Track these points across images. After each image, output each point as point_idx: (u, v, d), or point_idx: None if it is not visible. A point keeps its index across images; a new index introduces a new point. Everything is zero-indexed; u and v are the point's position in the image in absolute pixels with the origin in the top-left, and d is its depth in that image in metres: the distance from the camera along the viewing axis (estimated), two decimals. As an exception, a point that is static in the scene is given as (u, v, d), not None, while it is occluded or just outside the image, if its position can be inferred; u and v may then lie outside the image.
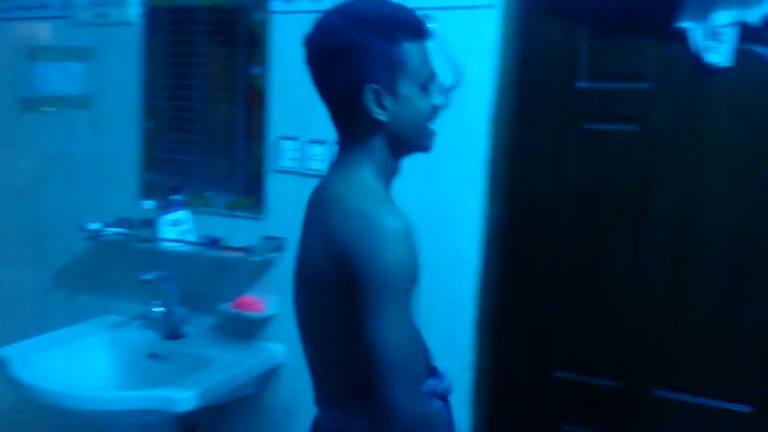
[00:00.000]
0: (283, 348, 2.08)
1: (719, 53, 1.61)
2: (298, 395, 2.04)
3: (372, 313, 1.04)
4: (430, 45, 1.33)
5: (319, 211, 1.15)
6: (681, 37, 1.66)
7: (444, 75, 1.82)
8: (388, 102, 1.12)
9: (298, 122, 2.02)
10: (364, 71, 1.10)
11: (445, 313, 1.91)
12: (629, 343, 1.81)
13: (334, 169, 1.19)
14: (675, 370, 1.78)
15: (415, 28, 1.14)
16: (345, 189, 1.12)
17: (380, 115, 1.12)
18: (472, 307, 1.88)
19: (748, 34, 1.60)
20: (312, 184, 1.25)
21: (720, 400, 1.74)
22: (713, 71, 1.64)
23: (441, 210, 1.88)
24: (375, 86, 1.10)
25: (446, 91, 1.81)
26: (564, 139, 1.84)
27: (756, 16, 1.56)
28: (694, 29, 1.64)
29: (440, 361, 1.91)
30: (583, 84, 1.80)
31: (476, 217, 1.85)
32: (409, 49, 1.12)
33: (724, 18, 1.58)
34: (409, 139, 1.18)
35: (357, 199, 1.09)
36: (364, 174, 1.14)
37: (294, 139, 2.03)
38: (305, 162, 2.01)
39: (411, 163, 1.90)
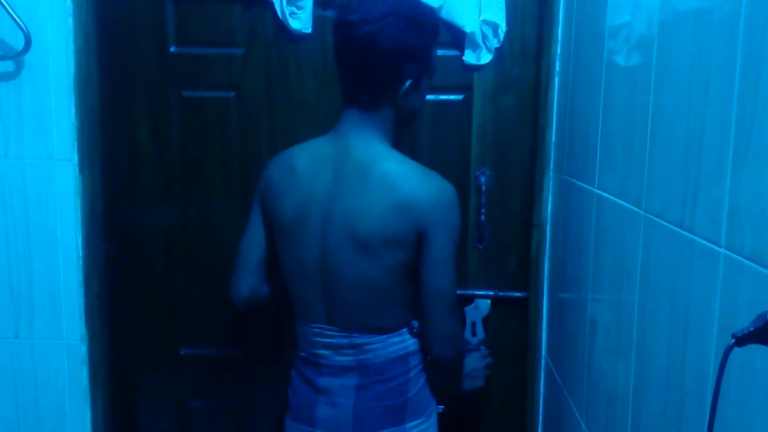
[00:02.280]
0: None
1: (299, 20, 1.67)
2: None
3: (446, 260, 1.29)
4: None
5: (362, 173, 1.28)
6: (266, 2, 1.68)
7: (11, 39, 1.61)
8: (410, 93, 1.32)
9: None
10: (409, 69, 1.30)
11: (48, 306, 1.72)
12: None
13: (351, 134, 1.32)
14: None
15: (438, 34, 1.36)
16: (393, 158, 1.31)
17: (404, 104, 1.33)
18: (79, 295, 1.72)
19: (323, 1, 1.68)
20: None
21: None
22: (297, 37, 1.70)
23: (28, 192, 1.68)
24: (411, 81, 1.30)
25: (16, 56, 1.61)
26: (162, 107, 1.76)
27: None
28: (275, -5, 1.67)
29: (47, 361, 1.74)
30: (173, 49, 1.74)
31: (70, 196, 1.68)
32: (434, 52, 1.36)
33: (298, -16, 1.63)
34: (409, 120, 1.41)
35: (413, 167, 1.30)
36: (390, 147, 1.34)
37: None
38: None
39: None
